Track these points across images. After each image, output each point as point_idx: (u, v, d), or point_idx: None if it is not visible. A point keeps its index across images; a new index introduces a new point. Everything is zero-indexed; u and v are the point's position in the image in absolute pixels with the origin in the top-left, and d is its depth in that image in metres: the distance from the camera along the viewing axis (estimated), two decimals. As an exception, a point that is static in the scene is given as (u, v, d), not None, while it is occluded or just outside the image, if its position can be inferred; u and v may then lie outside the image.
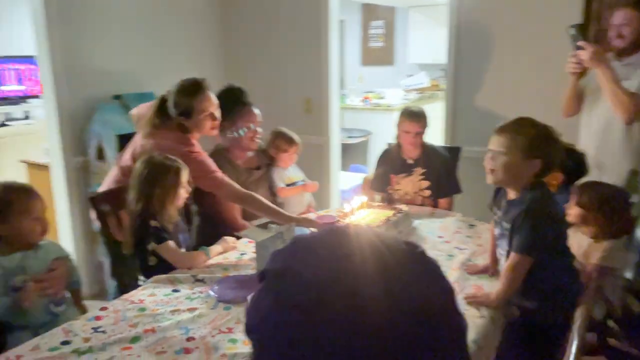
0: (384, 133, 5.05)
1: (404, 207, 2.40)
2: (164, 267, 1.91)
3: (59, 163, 3.11)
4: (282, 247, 0.61)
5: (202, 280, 1.82)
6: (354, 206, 2.32)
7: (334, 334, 0.50)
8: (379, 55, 8.07)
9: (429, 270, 0.58)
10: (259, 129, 2.59)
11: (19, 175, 3.64)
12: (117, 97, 3.21)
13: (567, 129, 2.79)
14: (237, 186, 2.32)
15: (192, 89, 2.32)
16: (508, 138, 1.67)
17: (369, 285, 0.52)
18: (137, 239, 1.90)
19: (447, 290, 0.57)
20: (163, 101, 2.36)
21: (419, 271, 0.57)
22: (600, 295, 2.04)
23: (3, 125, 5.01)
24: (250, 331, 0.57)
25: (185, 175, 1.97)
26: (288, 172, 2.76)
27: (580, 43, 2.30)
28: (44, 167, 3.29)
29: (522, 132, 1.66)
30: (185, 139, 2.32)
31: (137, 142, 2.37)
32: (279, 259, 0.59)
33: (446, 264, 1.95)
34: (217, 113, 2.39)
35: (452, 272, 1.87)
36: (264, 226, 1.89)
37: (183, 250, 2.02)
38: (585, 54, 2.28)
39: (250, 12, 3.97)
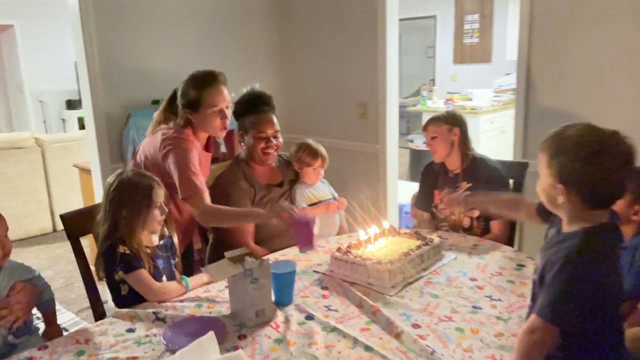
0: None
1: (435, 237, 1.97)
2: (138, 296, 1.69)
3: (97, 168, 3.06)
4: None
5: (162, 319, 1.56)
6: (372, 234, 1.94)
7: None
8: (473, 52, 7.42)
9: None
10: (276, 140, 2.28)
11: (73, 178, 3.70)
12: (156, 102, 3.10)
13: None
14: (209, 202, 1.98)
15: (203, 80, 2.08)
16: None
17: None
18: (106, 266, 1.70)
19: None
20: (174, 95, 2.17)
21: None
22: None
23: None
24: None
25: (159, 195, 1.72)
26: (314, 189, 2.42)
27: None
28: (90, 172, 3.27)
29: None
30: (183, 131, 2.09)
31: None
32: None
33: (466, 318, 1.52)
34: (229, 112, 2.14)
35: (467, 335, 1.43)
36: (239, 259, 1.59)
37: (164, 278, 1.78)
38: None
39: (305, 13, 3.69)
